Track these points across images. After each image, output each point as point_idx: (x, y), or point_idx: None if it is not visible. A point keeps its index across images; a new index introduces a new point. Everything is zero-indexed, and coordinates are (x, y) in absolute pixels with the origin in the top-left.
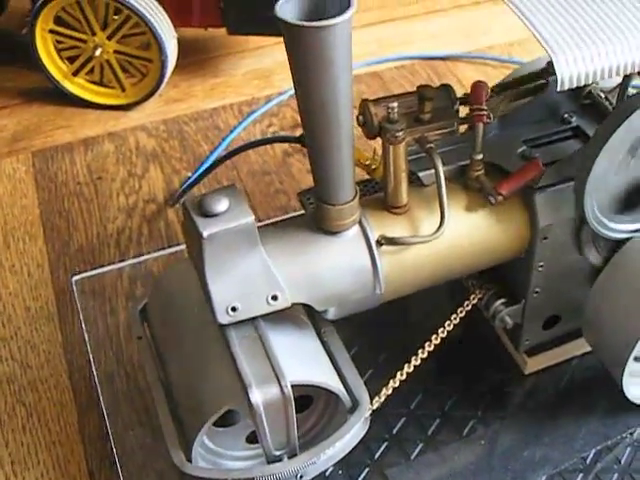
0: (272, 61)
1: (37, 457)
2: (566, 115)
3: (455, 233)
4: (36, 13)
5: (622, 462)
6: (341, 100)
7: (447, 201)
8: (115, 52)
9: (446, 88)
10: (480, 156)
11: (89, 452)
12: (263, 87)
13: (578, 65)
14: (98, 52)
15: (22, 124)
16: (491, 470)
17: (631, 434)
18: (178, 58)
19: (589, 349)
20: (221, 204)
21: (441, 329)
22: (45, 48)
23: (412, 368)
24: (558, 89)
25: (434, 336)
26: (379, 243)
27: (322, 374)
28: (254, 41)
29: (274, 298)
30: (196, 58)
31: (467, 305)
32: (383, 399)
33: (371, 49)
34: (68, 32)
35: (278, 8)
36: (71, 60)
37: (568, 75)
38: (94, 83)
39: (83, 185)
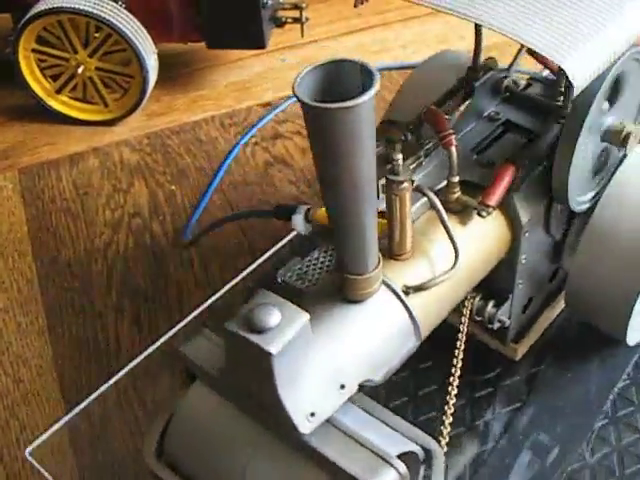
0: (250, 73)
1: (31, 471)
2: (492, 113)
3: (465, 257)
4: (18, 33)
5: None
6: (367, 174)
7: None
8: (97, 69)
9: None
10: (457, 178)
11: (81, 463)
12: (243, 99)
13: (584, 64)
14: (80, 70)
15: (8, 142)
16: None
17: (628, 374)
18: (159, 72)
19: (558, 310)
20: (273, 316)
21: (456, 351)
22: (28, 67)
23: (454, 398)
24: (575, 93)
25: (455, 360)
26: (406, 294)
27: (407, 436)
28: (233, 54)
29: (342, 387)
30: (177, 72)
31: (465, 320)
32: (448, 439)
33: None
34: (50, 51)
35: (296, 88)
36: (54, 78)
37: (580, 76)
38: (78, 100)
39: (70, 201)
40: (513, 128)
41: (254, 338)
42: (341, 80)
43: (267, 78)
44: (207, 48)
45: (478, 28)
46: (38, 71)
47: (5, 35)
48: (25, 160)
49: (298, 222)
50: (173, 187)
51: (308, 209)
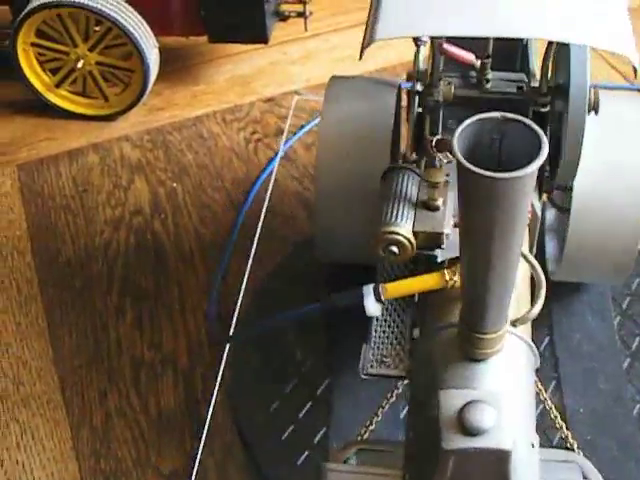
0: (251, 67)
1: (32, 475)
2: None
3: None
4: (17, 26)
5: None
6: (518, 242)
7: None
8: (97, 63)
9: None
10: None
11: (83, 469)
12: (244, 94)
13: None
14: (80, 64)
15: (6, 136)
16: None
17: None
18: (160, 66)
19: None
20: (484, 412)
21: None
22: (27, 61)
23: None
24: None
25: None
26: (514, 326)
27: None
28: (233, 48)
29: (532, 446)
30: (177, 66)
31: None
32: None
33: (352, 52)
34: (50, 45)
35: (456, 149)
36: (53, 72)
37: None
38: (77, 94)
39: (69, 198)
40: None
41: (483, 442)
42: (487, 136)
43: (269, 73)
44: (209, 42)
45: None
46: (37, 65)
47: (2, 27)
48: (23, 156)
49: (372, 306)
50: (174, 184)
51: (375, 287)
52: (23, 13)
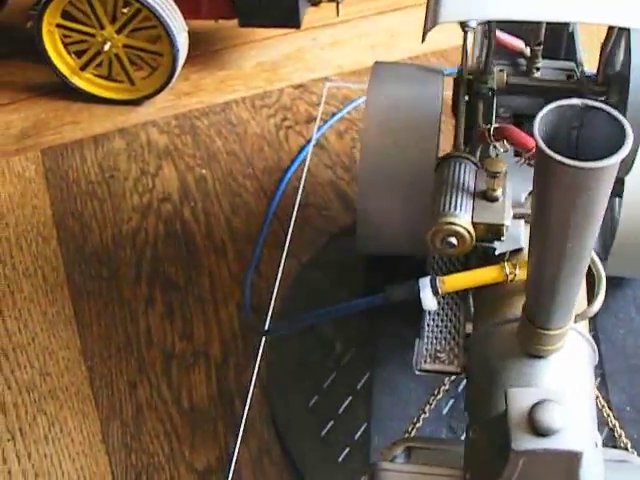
0: (279, 53)
1: (61, 469)
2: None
3: None
4: (43, 7)
5: None
6: (593, 236)
7: None
8: (124, 46)
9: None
10: None
11: (114, 463)
12: (273, 80)
13: None
14: (107, 47)
15: (30, 120)
16: None
17: None
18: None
19: None
20: (558, 415)
21: None
22: (52, 43)
23: None
24: None
25: None
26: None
27: None
28: (260, 32)
29: (596, 445)
30: (204, 50)
31: None
32: None
33: (382, 39)
34: (76, 26)
35: (537, 134)
36: (79, 54)
37: None
38: (102, 77)
39: (95, 184)
40: (523, 116)
41: (555, 443)
42: (566, 124)
43: (297, 58)
44: (239, 26)
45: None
46: (62, 47)
47: (25, 7)
48: (47, 140)
49: (429, 299)
50: (204, 171)
51: (432, 280)
52: None
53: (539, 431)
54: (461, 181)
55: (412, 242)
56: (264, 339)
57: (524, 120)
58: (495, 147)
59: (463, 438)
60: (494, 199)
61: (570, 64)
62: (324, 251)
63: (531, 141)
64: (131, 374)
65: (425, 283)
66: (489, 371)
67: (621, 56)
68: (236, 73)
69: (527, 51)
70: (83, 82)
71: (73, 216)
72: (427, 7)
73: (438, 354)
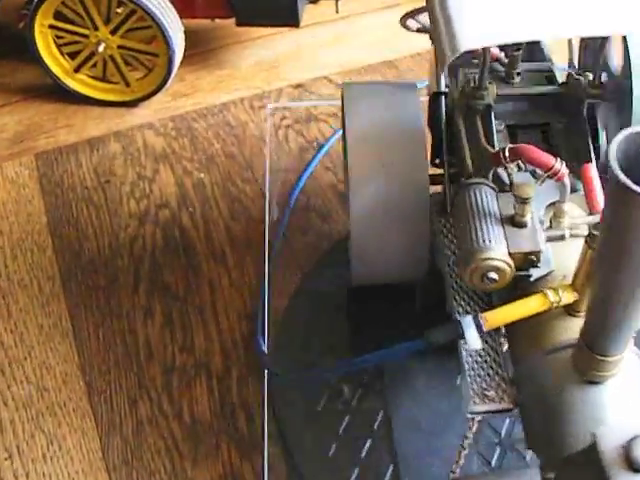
0: (276, 52)
1: None
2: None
3: None
4: (35, 8)
5: None
6: None
7: None
8: (119, 47)
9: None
10: (567, 206)
11: None
12: (272, 79)
13: None
14: (101, 48)
15: (23, 123)
16: None
17: None
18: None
19: None
20: None
21: None
22: (45, 44)
23: None
24: None
25: None
26: None
27: None
28: (258, 30)
29: None
30: (200, 49)
31: None
32: None
33: (384, 35)
34: (69, 27)
35: (613, 162)
36: (72, 55)
37: None
38: (97, 79)
39: (91, 189)
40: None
41: None
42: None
43: (296, 57)
44: (236, 25)
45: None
46: (55, 48)
47: (17, 7)
48: (41, 144)
49: (474, 338)
50: (202, 175)
51: (475, 317)
52: None
53: (637, 467)
54: (486, 209)
55: (410, 269)
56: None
57: (516, 130)
58: (510, 168)
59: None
60: (523, 225)
61: (546, 65)
62: (326, 258)
63: (551, 159)
64: (131, 388)
65: (468, 322)
66: (546, 402)
67: (614, 58)
68: (233, 73)
69: (502, 56)
70: (77, 84)
71: (69, 223)
72: (437, 33)
73: (486, 392)
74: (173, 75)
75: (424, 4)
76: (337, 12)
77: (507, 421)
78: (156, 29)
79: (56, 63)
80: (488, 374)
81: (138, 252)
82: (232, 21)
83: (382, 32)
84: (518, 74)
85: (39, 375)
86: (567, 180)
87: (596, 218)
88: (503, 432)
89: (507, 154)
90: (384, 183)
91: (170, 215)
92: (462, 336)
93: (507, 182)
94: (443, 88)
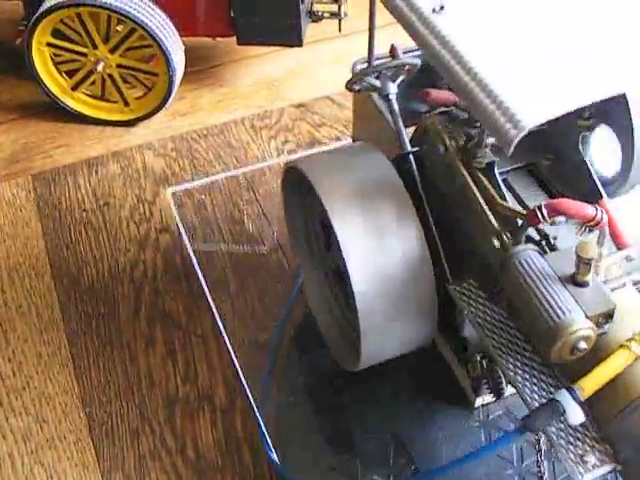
0: (276, 70)
1: None
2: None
3: None
4: (33, 25)
5: None
6: None
7: None
8: (118, 66)
9: None
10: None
11: None
12: (273, 98)
13: None
14: (100, 67)
15: (19, 142)
16: None
17: None
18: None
19: None
20: None
21: None
22: (42, 61)
23: None
24: None
25: None
26: None
27: None
28: (257, 49)
29: None
30: (200, 67)
31: None
32: None
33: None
34: (67, 45)
35: None
36: (70, 74)
37: None
38: (95, 98)
39: (89, 212)
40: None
41: None
42: None
43: (298, 75)
44: (238, 44)
45: None
46: (52, 66)
47: (14, 22)
48: (38, 164)
49: (577, 411)
50: (203, 197)
51: (569, 390)
52: (39, 12)
53: None
54: (544, 276)
55: (419, 337)
56: None
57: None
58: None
59: None
60: (585, 283)
61: None
62: None
63: (591, 209)
64: (133, 421)
65: (565, 397)
66: None
67: None
68: (234, 91)
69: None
70: (75, 102)
71: (67, 248)
72: (488, 118)
73: (585, 458)
74: (173, 95)
75: (364, 67)
76: (340, 31)
77: None
78: (156, 48)
79: (53, 81)
80: (578, 438)
81: (139, 278)
82: (233, 39)
83: (384, 50)
84: None
85: (38, 406)
86: (607, 227)
87: (629, 252)
88: None
89: (545, 212)
90: (382, 256)
91: (171, 239)
92: (563, 413)
93: (538, 239)
94: (408, 147)
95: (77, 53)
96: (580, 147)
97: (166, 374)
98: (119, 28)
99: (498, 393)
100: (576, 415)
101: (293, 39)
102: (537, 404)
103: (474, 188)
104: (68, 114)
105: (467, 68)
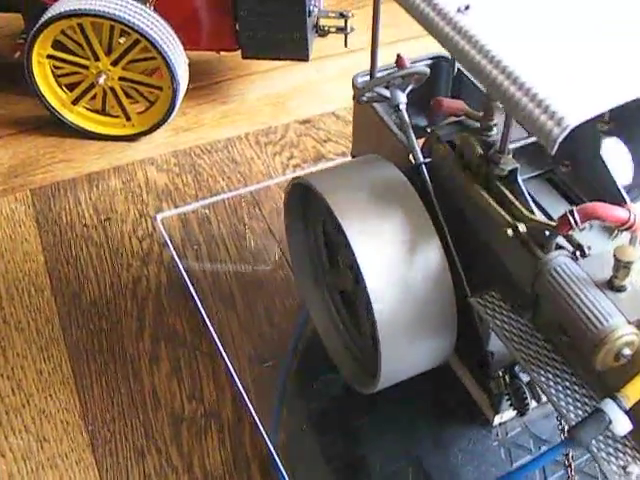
0: (283, 85)
1: None
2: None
3: None
4: (33, 37)
5: None
6: None
7: None
8: (120, 79)
9: None
10: None
11: None
12: (277, 114)
13: None
14: (102, 79)
15: (18, 157)
16: None
17: None
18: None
19: None
20: None
21: None
22: (42, 74)
23: None
24: None
25: None
26: None
27: None
28: (262, 64)
29: None
30: (203, 83)
31: None
32: None
33: None
34: (68, 57)
35: None
36: (70, 87)
37: None
38: (96, 112)
39: (90, 228)
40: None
41: None
42: None
43: (303, 91)
44: (242, 58)
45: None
46: (53, 79)
47: (13, 35)
48: (38, 179)
49: (624, 420)
50: (207, 212)
51: (614, 399)
52: (40, 22)
53: None
54: (580, 283)
55: (435, 358)
56: None
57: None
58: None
59: None
60: (623, 288)
61: None
62: None
63: (625, 213)
64: (137, 440)
65: (611, 407)
66: None
67: None
68: (238, 107)
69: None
70: (75, 116)
71: (68, 263)
72: (528, 118)
73: (628, 469)
74: (177, 109)
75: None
76: (346, 46)
77: None
78: (160, 60)
79: (54, 95)
80: (618, 449)
81: (142, 294)
82: (237, 53)
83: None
84: (495, 124)
85: (38, 424)
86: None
87: None
88: None
89: (577, 217)
90: (401, 270)
91: (175, 254)
92: (609, 423)
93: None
94: (421, 158)
95: (78, 65)
96: (601, 152)
97: (171, 392)
98: (121, 41)
99: (522, 409)
100: (623, 424)
101: (299, 53)
102: (573, 415)
103: (492, 201)
104: (68, 129)
105: (501, 67)
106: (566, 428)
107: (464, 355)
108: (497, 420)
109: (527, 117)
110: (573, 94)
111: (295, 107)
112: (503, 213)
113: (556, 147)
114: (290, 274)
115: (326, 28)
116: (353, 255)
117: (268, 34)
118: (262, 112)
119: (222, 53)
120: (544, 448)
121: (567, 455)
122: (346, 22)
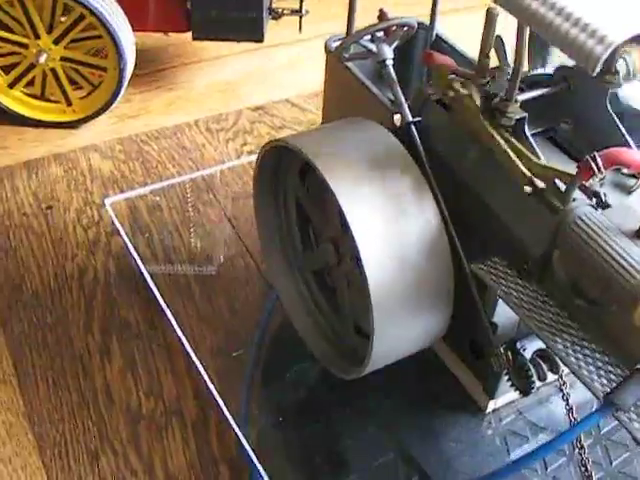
0: (233, 72)
1: None
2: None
3: None
4: None
5: None
6: None
7: None
8: (62, 59)
9: None
10: None
11: None
12: (228, 101)
13: None
14: (43, 59)
15: None
16: None
17: None
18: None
19: None
20: None
21: None
22: None
23: None
24: None
25: None
26: None
27: None
28: (210, 51)
29: None
30: (147, 70)
31: None
32: None
33: None
34: (6, 35)
35: None
36: (6, 69)
37: None
38: (34, 97)
39: (30, 216)
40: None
41: None
42: None
43: (254, 78)
44: (193, 39)
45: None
46: None
47: None
48: None
49: None
50: (157, 198)
51: None
52: None
53: None
54: (609, 233)
55: (430, 336)
56: None
57: None
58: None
59: None
60: None
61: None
62: None
63: None
64: (90, 441)
65: None
66: None
67: None
68: (186, 94)
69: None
70: (12, 101)
71: (6, 254)
72: (570, 41)
73: None
74: (122, 93)
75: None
76: (300, 31)
77: None
78: (107, 38)
79: None
80: None
81: (89, 285)
82: (184, 38)
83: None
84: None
85: None
86: None
87: None
88: None
89: (599, 163)
90: (397, 238)
91: (123, 243)
92: None
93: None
94: (410, 117)
95: (17, 44)
96: (608, 105)
97: (126, 388)
98: (63, 19)
99: (527, 388)
100: None
101: (254, 34)
102: (598, 384)
103: (501, 142)
104: (4, 114)
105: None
106: (599, 395)
107: (454, 337)
108: (491, 406)
109: (570, 41)
110: (614, 17)
111: (246, 94)
112: (520, 165)
113: (599, 67)
114: (250, 261)
115: (280, 10)
116: (346, 220)
117: (222, 13)
118: (212, 99)
119: (171, 35)
120: (542, 435)
121: (579, 440)
122: (301, 4)
